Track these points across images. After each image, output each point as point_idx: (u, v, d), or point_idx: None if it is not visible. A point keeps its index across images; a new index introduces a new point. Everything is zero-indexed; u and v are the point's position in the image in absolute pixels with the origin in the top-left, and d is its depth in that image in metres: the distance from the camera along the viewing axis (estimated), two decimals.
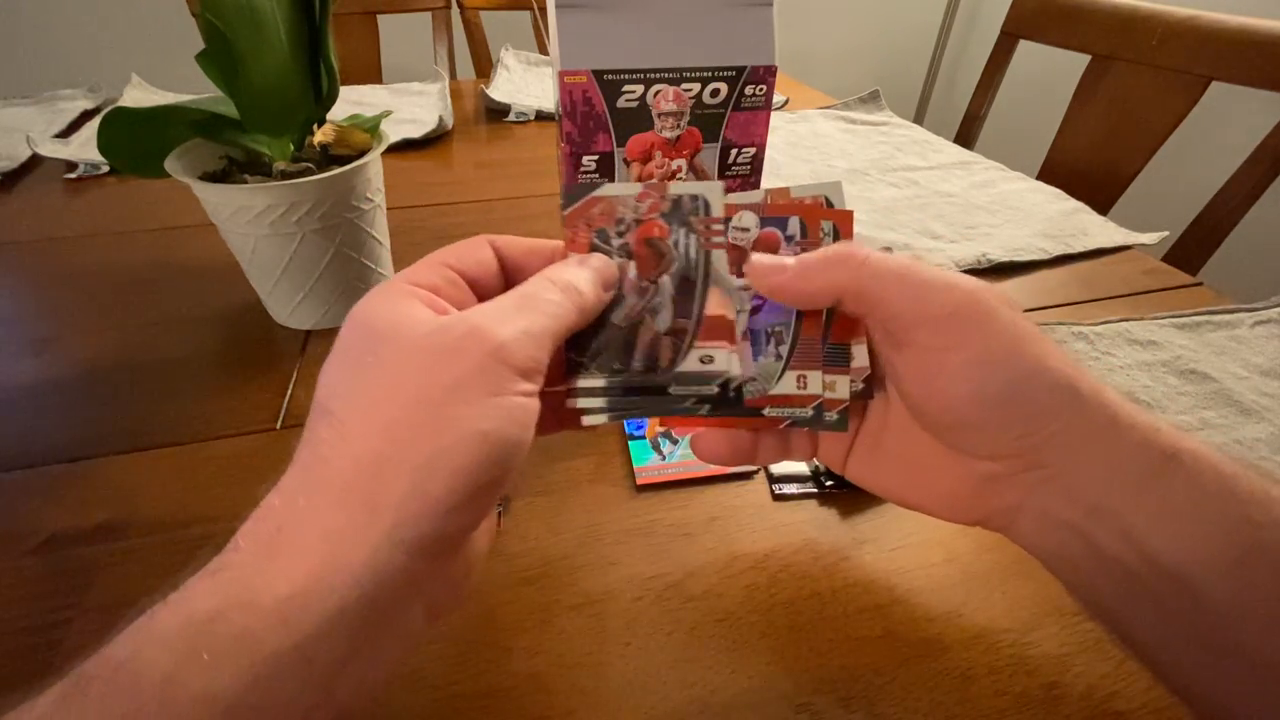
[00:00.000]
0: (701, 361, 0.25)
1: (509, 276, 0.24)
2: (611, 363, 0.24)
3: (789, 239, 0.25)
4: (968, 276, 0.23)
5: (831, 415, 0.25)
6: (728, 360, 0.25)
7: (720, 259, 0.25)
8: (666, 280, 0.25)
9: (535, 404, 0.20)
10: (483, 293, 0.22)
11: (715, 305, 0.25)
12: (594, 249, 0.24)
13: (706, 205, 0.24)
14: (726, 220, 0.24)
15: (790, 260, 0.23)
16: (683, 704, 0.25)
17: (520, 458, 0.19)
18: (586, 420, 0.25)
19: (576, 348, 0.24)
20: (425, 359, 0.18)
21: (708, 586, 0.30)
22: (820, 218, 0.25)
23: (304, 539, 0.17)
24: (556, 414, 0.25)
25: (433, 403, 0.18)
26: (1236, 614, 0.19)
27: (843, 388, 0.25)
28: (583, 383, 0.24)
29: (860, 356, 0.25)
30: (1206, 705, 0.20)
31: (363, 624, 0.17)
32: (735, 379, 0.25)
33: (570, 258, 0.23)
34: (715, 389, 0.25)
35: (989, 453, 0.22)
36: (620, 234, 0.24)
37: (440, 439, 0.17)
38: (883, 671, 0.27)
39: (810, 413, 0.25)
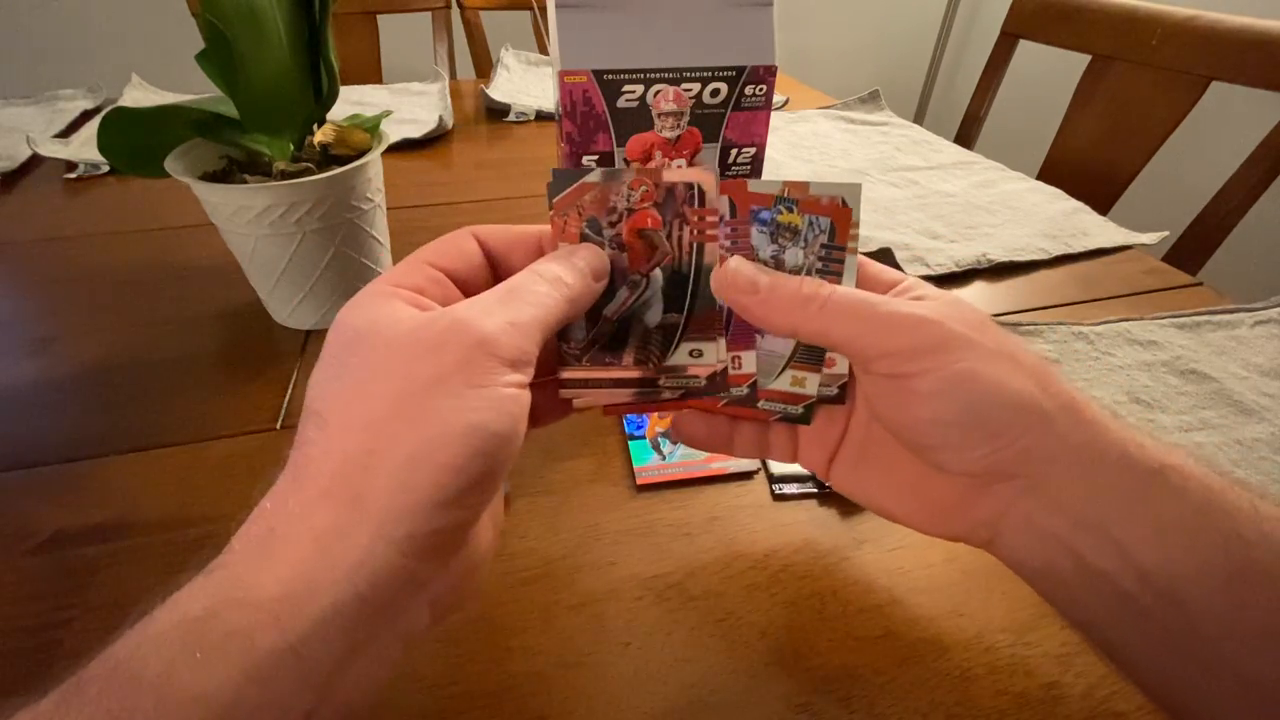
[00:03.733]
0: (691, 355, 0.25)
1: (495, 268, 0.23)
2: (603, 356, 0.24)
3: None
4: (932, 296, 0.22)
5: (796, 409, 0.26)
6: (716, 352, 0.25)
7: (711, 251, 0.24)
8: (658, 273, 0.24)
9: (525, 396, 0.19)
10: (468, 288, 0.22)
11: (705, 298, 0.24)
12: (584, 239, 0.23)
13: (701, 195, 0.23)
14: (726, 218, 0.24)
15: (764, 280, 0.23)
16: (683, 704, 0.25)
17: (512, 451, 0.19)
18: (578, 404, 0.25)
19: (569, 340, 0.24)
20: (408, 354, 0.18)
21: (708, 586, 0.30)
22: (818, 213, 0.24)
23: (295, 539, 0.16)
24: (548, 405, 0.25)
25: (416, 397, 0.17)
26: (1228, 631, 0.19)
27: (812, 385, 0.25)
28: (575, 374, 0.24)
29: (841, 364, 0.25)
30: None
31: (359, 622, 0.16)
32: (720, 371, 0.25)
33: (560, 248, 0.23)
34: (703, 382, 0.25)
35: (961, 469, 0.22)
36: (612, 224, 0.23)
37: (425, 432, 0.17)
38: (883, 671, 0.27)
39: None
